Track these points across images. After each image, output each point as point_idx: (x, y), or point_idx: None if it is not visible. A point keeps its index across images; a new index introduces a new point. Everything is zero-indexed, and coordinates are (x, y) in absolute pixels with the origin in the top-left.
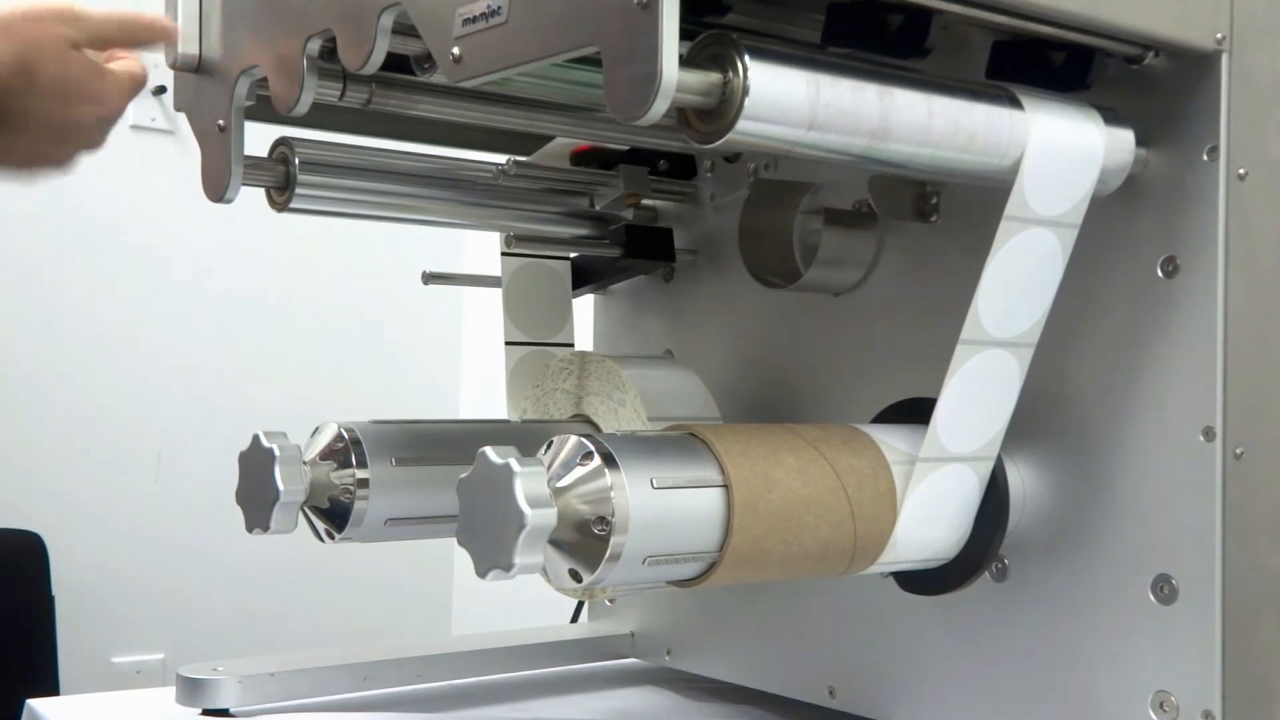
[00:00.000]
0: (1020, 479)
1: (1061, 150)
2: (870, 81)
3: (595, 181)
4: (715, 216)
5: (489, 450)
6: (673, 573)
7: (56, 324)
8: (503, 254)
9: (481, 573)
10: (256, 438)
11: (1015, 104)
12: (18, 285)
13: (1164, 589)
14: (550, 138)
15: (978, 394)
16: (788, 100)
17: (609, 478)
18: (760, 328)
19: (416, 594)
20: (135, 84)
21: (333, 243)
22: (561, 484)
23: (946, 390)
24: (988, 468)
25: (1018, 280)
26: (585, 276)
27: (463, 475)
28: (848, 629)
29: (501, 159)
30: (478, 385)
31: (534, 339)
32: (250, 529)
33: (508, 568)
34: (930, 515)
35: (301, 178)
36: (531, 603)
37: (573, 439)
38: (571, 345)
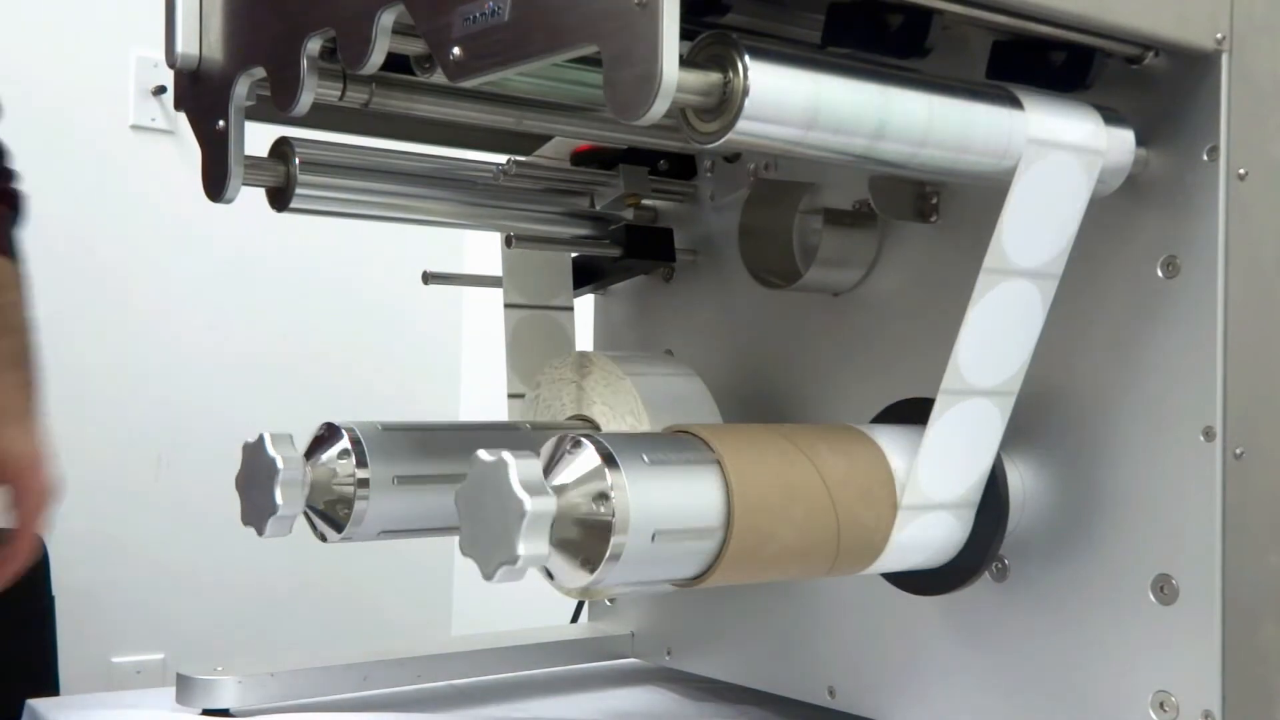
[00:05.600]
0: (1020, 479)
1: (1061, 150)
2: (870, 81)
3: (595, 181)
4: (715, 216)
5: (481, 452)
6: (673, 573)
7: (55, 324)
8: (505, 304)
9: (489, 575)
10: (262, 440)
11: (1015, 104)
12: None
13: (1164, 589)
14: (550, 138)
15: (1000, 326)
16: (788, 100)
17: (609, 477)
18: (760, 328)
19: (416, 594)
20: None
21: (333, 243)
22: (561, 483)
23: (968, 320)
24: (1009, 403)
25: (997, 331)
26: (585, 276)
27: (460, 486)
28: (848, 629)
29: (501, 159)
30: (478, 385)
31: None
32: (246, 523)
33: (513, 561)
34: (951, 449)
35: (301, 178)
36: (532, 603)
37: (572, 438)
38: (570, 309)
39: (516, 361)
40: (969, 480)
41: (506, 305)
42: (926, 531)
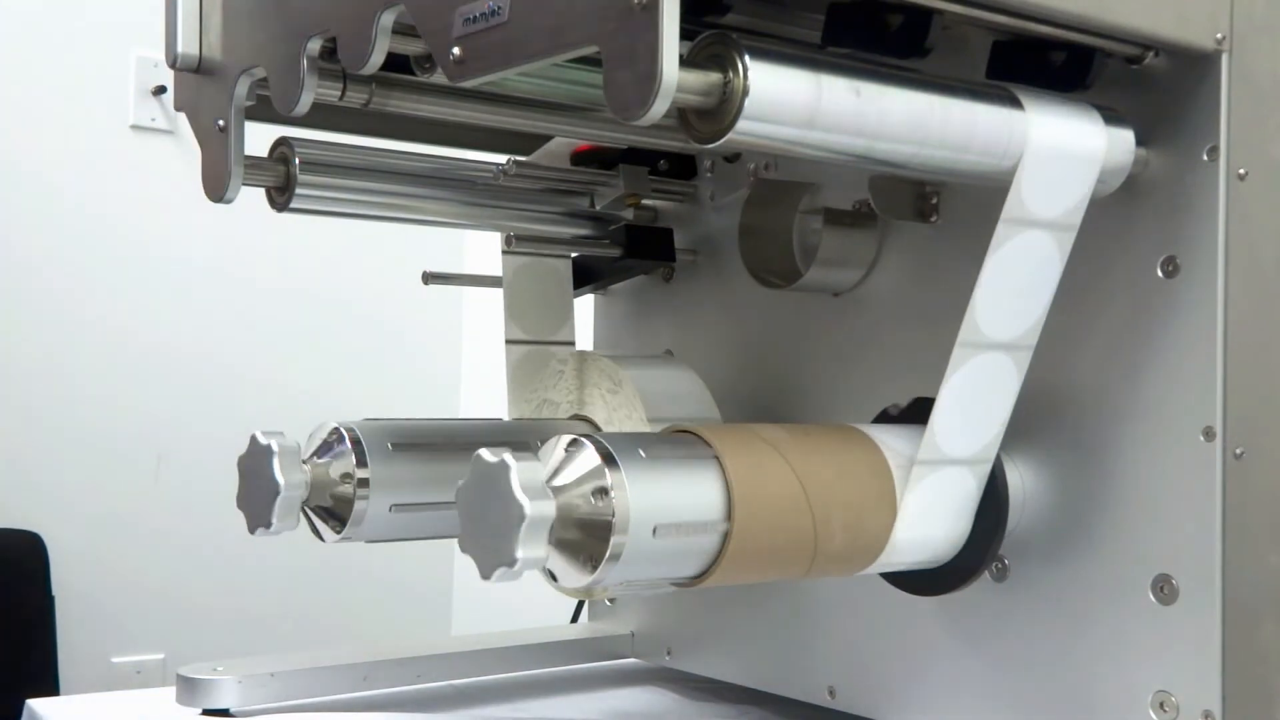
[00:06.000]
0: (1020, 479)
1: (1061, 150)
2: (870, 81)
3: (595, 181)
4: (715, 216)
5: (483, 451)
6: (673, 573)
7: (56, 324)
8: (504, 253)
9: (486, 575)
10: (270, 450)
11: (1015, 104)
12: (17, 285)
13: (1164, 589)
14: (550, 138)
15: (975, 397)
16: (788, 100)
17: (609, 477)
18: (760, 328)
19: (416, 594)
20: None
21: (333, 243)
22: (561, 483)
23: (944, 392)
24: (985, 470)
25: (1015, 283)
26: (585, 276)
27: (460, 483)
28: (848, 629)
29: (501, 159)
30: (478, 385)
31: (535, 337)
32: (240, 507)
33: (511, 564)
34: (929, 516)
35: (301, 178)
36: (531, 603)
37: (571, 438)
38: (572, 344)
39: (514, 307)
40: (946, 545)
41: (504, 252)
42: (942, 486)
